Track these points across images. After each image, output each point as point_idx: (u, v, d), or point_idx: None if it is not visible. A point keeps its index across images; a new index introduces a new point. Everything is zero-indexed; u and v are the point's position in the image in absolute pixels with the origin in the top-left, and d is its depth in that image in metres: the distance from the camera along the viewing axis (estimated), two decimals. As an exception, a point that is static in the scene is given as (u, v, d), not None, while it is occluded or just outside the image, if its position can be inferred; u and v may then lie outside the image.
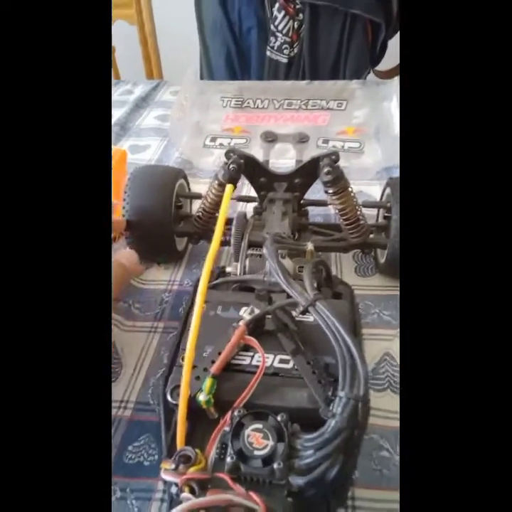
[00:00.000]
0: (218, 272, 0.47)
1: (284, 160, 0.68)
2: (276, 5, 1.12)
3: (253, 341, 0.34)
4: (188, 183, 0.65)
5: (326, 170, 0.49)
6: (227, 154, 0.52)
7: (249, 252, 0.46)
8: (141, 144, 0.88)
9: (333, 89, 0.81)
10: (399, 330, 0.50)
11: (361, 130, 0.69)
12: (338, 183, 0.50)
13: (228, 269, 0.46)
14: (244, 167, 0.52)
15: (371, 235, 0.57)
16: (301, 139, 0.61)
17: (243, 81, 1.07)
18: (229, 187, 0.48)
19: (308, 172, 0.53)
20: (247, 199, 0.65)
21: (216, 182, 0.53)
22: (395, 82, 0.78)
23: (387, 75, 1.32)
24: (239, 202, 0.68)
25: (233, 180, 0.51)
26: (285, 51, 1.18)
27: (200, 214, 0.56)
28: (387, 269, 0.56)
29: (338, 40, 1.19)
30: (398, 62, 1.31)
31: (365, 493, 0.38)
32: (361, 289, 0.56)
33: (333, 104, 0.74)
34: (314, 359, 0.33)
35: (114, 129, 0.91)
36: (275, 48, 1.18)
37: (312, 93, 0.75)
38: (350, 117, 0.72)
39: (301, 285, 0.35)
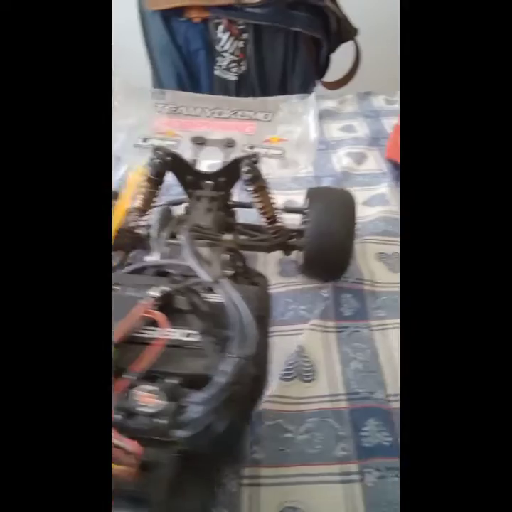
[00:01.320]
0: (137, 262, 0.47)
1: (211, 161, 0.71)
2: (220, 27, 1.17)
3: (156, 314, 0.33)
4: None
5: (245, 169, 0.53)
6: (154, 151, 0.56)
7: (169, 241, 0.48)
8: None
9: (261, 103, 0.86)
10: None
11: (284, 139, 0.73)
12: (256, 181, 0.55)
13: (147, 258, 0.46)
14: (172, 164, 0.56)
15: (294, 240, 0.61)
16: (228, 144, 0.66)
17: (178, 91, 1.09)
18: (137, 171, 0.53)
19: (231, 171, 0.57)
20: (179, 202, 0.66)
21: (146, 180, 0.56)
22: (312, 98, 0.85)
23: (335, 85, 1.40)
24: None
25: (159, 175, 0.55)
26: (233, 69, 1.24)
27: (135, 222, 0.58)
28: (306, 270, 0.61)
29: (283, 57, 1.26)
30: (344, 73, 1.39)
31: (270, 471, 0.42)
32: (281, 287, 0.61)
33: (260, 116, 0.78)
34: (217, 333, 0.33)
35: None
36: (223, 67, 1.24)
37: (241, 105, 0.80)
38: (275, 128, 0.76)
39: (209, 265, 0.38)
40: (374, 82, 1.20)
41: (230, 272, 0.43)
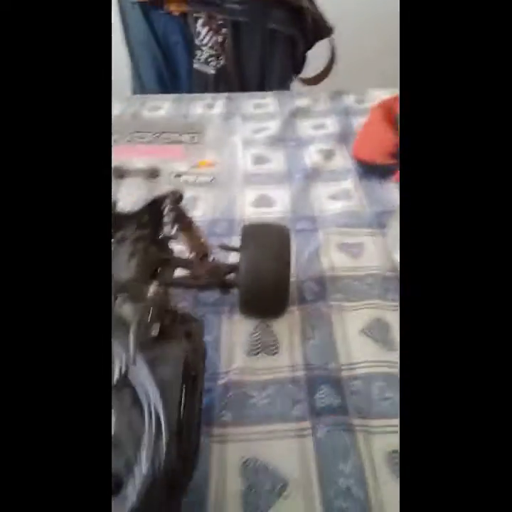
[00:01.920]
0: None
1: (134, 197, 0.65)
2: (200, 21, 1.21)
3: None
4: None
5: (167, 210, 0.51)
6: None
7: None
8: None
9: (185, 124, 0.84)
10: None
11: (213, 163, 0.71)
12: (180, 221, 0.54)
13: None
14: None
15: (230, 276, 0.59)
16: (152, 174, 0.62)
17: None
18: None
19: (153, 210, 0.56)
20: None
21: None
22: (237, 120, 0.89)
23: (312, 81, 1.45)
24: None
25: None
26: (212, 63, 1.28)
27: None
28: (244, 308, 0.57)
29: (261, 53, 1.31)
30: (320, 70, 1.44)
31: (236, 429, 0.49)
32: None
33: (186, 138, 0.72)
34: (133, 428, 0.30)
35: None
36: (201, 61, 1.27)
37: (165, 127, 0.73)
38: (203, 151, 0.72)
39: (121, 346, 0.33)
40: (346, 81, 1.26)
41: (154, 332, 0.39)
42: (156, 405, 0.30)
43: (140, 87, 1.33)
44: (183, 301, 0.64)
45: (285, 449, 0.47)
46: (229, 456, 0.46)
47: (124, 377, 0.33)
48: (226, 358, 0.56)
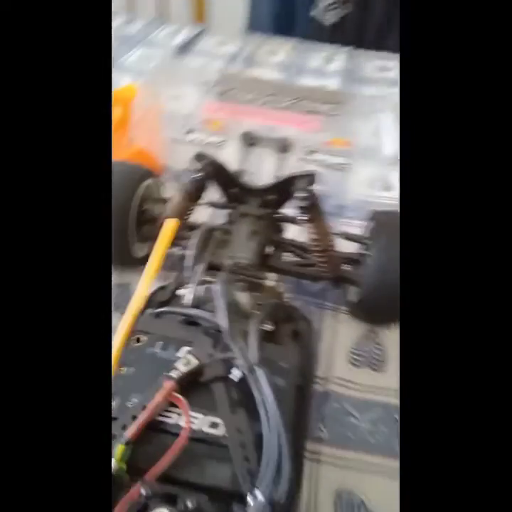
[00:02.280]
0: (169, 295, 0.42)
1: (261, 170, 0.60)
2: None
3: (181, 402, 0.30)
4: (159, 182, 0.59)
5: (299, 195, 0.45)
6: (196, 158, 0.48)
7: (205, 278, 0.41)
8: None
9: (328, 93, 0.73)
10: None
11: (351, 143, 0.61)
12: (311, 210, 0.47)
13: (180, 292, 0.41)
14: (215, 176, 0.49)
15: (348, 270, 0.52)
16: (284, 147, 0.55)
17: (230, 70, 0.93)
18: (170, 224, 0.45)
19: (282, 190, 0.50)
20: (221, 206, 0.57)
21: (179, 192, 0.49)
22: (395, 94, 0.72)
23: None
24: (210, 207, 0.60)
25: (198, 192, 0.49)
26: (331, 12, 1.14)
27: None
28: (358, 310, 0.51)
29: (387, 8, 1.14)
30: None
31: (332, 450, 0.44)
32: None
33: (325, 108, 0.64)
34: (247, 426, 0.30)
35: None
36: (321, 9, 1.13)
37: (305, 93, 0.66)
38: (342, 127, 0.63)
39: (242, 344, 0.33)
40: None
41: (269, 328, 0.37)
42: (276, 419, 0.29)
43: (255, 23, 1.22)
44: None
45: (388, 490, 0.41)
46: (322, 480, 0.42)
47: (243, 381, 0.32)
48: (325, 361, 0.51)
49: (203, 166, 0.46)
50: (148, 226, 0.55)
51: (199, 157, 0.47)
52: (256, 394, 0.31)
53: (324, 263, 0.50)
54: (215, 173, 0.48)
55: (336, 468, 0.43)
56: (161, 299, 0.43)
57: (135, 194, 0.52)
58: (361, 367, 0.51)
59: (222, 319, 0.35)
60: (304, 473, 0.40)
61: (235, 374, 0.33)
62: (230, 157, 0.52)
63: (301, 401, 0.37)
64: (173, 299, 0.44)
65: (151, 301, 0.44)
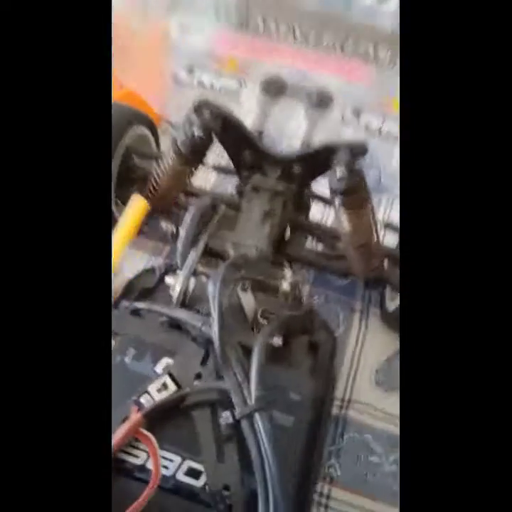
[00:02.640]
0: (155, 281, 0.35)
1: (286, 128, 0.46)
2: None
3: (149, 441, 0.25)
4: (154, 133, 0.47)
5: (339, 174, 0.33)
6: (197, 109, 0.35)
7: (200, 268, 0.33)
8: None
9: (388, 35, 0.44)
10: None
11: None
12: (353, 194, 0.34)
13: (168, 281, 0.33)
14: (222, 133, 0.36)
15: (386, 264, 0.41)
16: (321, 101, 0.40)
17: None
18: (138, 203, 0.35)
19: (315, 162, 0.36)
20: (229, 173, 0.45)
21: (172, 151, 0.37)
22: None
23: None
24: (216, 172, 0.48)
25: (199, 153, 0.36)
26: None
27: (152, 187, 0.40)
28: (395, 322, 0.41)
29: None
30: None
31: (343, 494, 0.36)
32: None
33: (383, 54, 0.41)
34: (236, 480, 0.25)
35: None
36: None
37: (356, 30, 0.43)
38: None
39: (238, 374, 0.26)
40: None
41: (278, 343, 0.30)
42: (275, 475, 0.24)
43: None
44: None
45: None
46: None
47: (236, 425, 0.25)
48: (346, 377, 0.42)
49: (207, 119, 0.35)
50: (134, 186, 0.44)
51: (202, 106, 0.36)
52: (251, 444, 0.24)
53: (360, 258, 0.39)
54: (224, 129, 0.36)
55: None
56: (145, 285, 0.35)
57: (119, 143, 0.41)
58: (389, 390, 0.41)
59: (214, 330, 0.27)
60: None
61: (225, 417, 0.25)
62: (246, 109, 0.40)
63: (313, 441, 0.29)
64: (159, 287, 0.35)
65: (131, 287, 0.35)
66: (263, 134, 0.41)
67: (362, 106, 0.40)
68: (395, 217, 0.45)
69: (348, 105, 0.40)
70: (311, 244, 0.45)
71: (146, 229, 0.50)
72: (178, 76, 0.44)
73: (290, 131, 0.42)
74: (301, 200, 0.43)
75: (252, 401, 0.25)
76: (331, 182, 0.34)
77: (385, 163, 0.44)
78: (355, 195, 0.34)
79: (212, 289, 0.28)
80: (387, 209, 0.50)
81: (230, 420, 0.25)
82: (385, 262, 0.42)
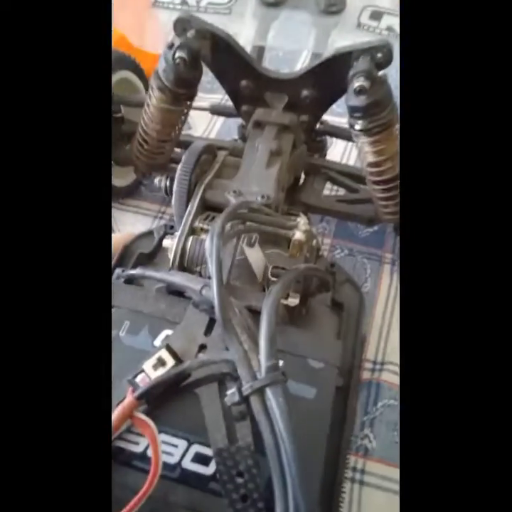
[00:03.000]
0: (154, 246, 0.31)
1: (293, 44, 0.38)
2: None
3: (146, 425, 0.22)
4: (142, 78, 0.41)
5: (357, 84, 0.26)
6: (176, 26, 0.29)
7: (198, 224, 0.28)
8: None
9: None
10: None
11: None
12: (377, 114, 0.27)
13: (165, 243, 0.29)
14: (213, 56, 0.30)
15: None
16: (331, 6, 0.33)
17: None
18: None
19: (328, 78, 0.30)
20: (228, 113, 0.39)
21: (155, 86, 0.31)
22: None
23: None
24: (215, 116, 0.43)
25: (184, 87, 0.30)
26: None
27: (141, 138, 0.35)
28: None
29: None
30: None
31: (378, 468, 0.31)
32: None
33: None
34: (251, 468, 0.21)
35: None
36: None
37: None
38: None
39: (248, 344, 0.22)
40: None
41: (293, 302, 0.26)
42: (287, 453, 0.20)
43: None
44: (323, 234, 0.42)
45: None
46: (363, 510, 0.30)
47: (245, 403, 0.21)
48: (377, 338, 0.37)
49: (191, 39, 0.29)
50: (127, 143, 0.39)
51: (184, 22, 0.29)
52: (263, 425, 0.20)
53: (390, 196, 0.32)
54: (213, 51, 0.30)
55: (384, 495, 0.30)
56: (143, 250, 0.32)
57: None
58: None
59: (213, 293, 0.23)
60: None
61: (231, 395, 0.21)
62: (240, 26, 0.33)
63: (341, 414, 0.26)
64: (157, 252, 0.32)
65: (128, 253, 0.32)
66: (264, 53, 0.34)
67: (381, 6, 0.32)
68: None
69: (366, 8, 0.32)
70: (331, 188, 0.39)
71: (146, 192, 0.46)
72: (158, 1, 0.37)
73: (298, 46, 0.35)
74: (315, 137, 0.37)
75: (262, 374, 0.21)
76: (348, 99, 0.28)
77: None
78: (378, 114, 0.28)
79: (209, 246, 0.24)
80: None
81: (236, 398, 0.21)
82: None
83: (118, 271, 0.29)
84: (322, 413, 0.23)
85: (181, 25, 0.29)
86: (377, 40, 0.27)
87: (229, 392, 0.21)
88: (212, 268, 0.23)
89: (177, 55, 0.28)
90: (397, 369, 0.35)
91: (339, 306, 0.29)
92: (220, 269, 0.23)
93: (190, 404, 0.23)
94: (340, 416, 0.25)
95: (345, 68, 0.28)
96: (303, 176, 0.39)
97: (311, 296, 0.28)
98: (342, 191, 0.41)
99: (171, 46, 0.29)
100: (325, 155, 0.41)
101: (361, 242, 0.42)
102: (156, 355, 0.23)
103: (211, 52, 0.30)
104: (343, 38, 0.31)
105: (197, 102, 0.33)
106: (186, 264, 0.28)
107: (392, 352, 0.36)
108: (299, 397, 0.23)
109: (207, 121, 0.51)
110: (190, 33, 0.29)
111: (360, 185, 0.37)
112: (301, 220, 0.28)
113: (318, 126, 0.37)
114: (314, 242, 0.29)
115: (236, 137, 0.40)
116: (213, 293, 0.23)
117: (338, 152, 0.47)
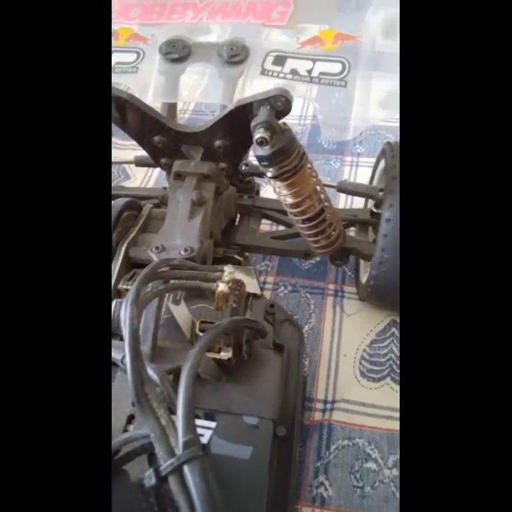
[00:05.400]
0: None
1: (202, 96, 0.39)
2: None
3: None
4: None
5: (258, 136, 0.27)
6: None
7: (123, 286, 0.28)
8: None
9: None
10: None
11: (349, 37, 0.33)
12: (284, 160, 0.28)
13: None
14: (121, 117, 0.30)
15: (350, 232, 0.37)
16: (233, 56, 0.33)
17: None
18: None
19: (236, 128, 0.30)
20: (152, 164, 0.37)
21: None
22: None
23: None
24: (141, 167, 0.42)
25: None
26: None
27: None
28: (372, 295, 0.36)
29: None
30: None
31: None
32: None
33: None
34: None
35: None
36: None
37: None
38: (331, 10, 0.35)
39: (165, 419, 0.20)
40: None
41: (225, 356, 0.26)
42: None
43: None
44: (262, 271, 0.42)
45: None
46: None
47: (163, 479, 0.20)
48: (326, 373, 0.36)
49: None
50: None
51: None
52: (183, 508, 0.19)
53: (316, 232, 0.33)
54: (119, 113, 0.30)
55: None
56: None
57: None
58: (379, 379, 0.35)
59: (126, 362, 0.21)
60: None
61: (148, 477, 0.20)
62: (147, 84, 0.33)
63: (286, 468, 0.25)
64: None
65: None
66: (175, 108, 0.35)
67: (284, 50, 0.33)
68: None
69: (270, 54, 0.33)
70: (271, 224, 0.39)
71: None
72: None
73: (206, 98, 0.35)
74: (243, 179, 0.37)
75: (180, 449, 0.19)
76: (255, 149, 0.28)
77: (328, 114, 0.37)
78: (285, 160, 0.28)
79: (123, 315, 0.22)
80: (352, 169, 0.44)
81: (153, 481, 0.19)
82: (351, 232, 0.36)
83: None
84: (259, 472, 0.22)
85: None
86: (275, 89, 0.27)
87: (146, 473, 0.20)
88: (126, 340, 0.22)
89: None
90: (349, 406, 0.34)
91: (279, 348, 0.28)
92: (135, 339, 0.22)
93: (121, 483, 0.22)
94: (285, 466, 0.24)
95: (249, 118, 0.28)
96: (239, 217, 0.39)
97: (247, 345, 0.28)
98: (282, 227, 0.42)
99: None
100: (257, 193, 0.41)
101: (304, 275, 0.42)
102: None
103: (119, 114, 0.30)
104: (249, 86, 0.31)
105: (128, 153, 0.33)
106: (113, 329, 0.27)
107: (342, 388, 0.35)
108: (233, 459, 0.22)
109: (145, 169, 0.51)
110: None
111: (289, 220, 0.38)
112: (227, 270, 0.27)
113: (243, 168, 0.38)
114: (251, 286, 0.29)
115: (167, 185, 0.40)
116: (126, 364, 0.22)
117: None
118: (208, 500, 0.18)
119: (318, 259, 0.42)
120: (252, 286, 0.30)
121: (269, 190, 0.45)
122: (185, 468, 0.19)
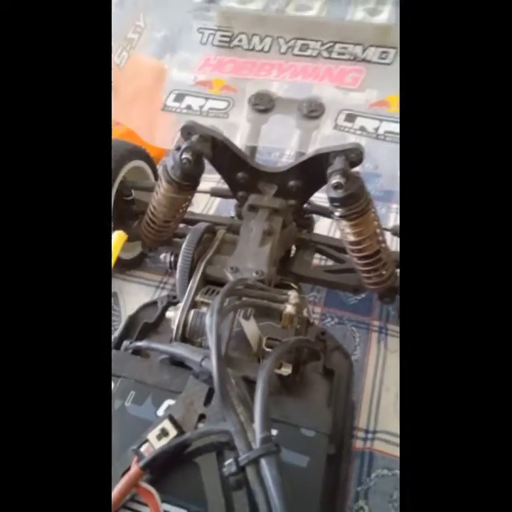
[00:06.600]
0: (157, 316, 0.34)
1: (280, 143, 0.46)
2: None
3: (150, 495, 0.23)
4: (151, 166, 0.47)
5: (334, 181, 0.31)
6: (184, 133, 0.35)
7: (200, 298, 0.31)
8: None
9: (375, 31, 0.46)
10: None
11: None
12: (353, 203, 0.32)
13: (168, 314, 0.32)
14: (214, 155, 0.35)
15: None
16: (312, 112, 0.38)
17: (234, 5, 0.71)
18: (118, 236, 0.34)
19: (310, 173, 0.35)
20: (226, 195, 0.43)
21: (164, 179, 0.36)
22: None
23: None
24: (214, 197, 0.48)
25: (189, 178, 0.35)
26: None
27: (149, 219, 0.40)
28: None
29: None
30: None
31: None
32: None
33: (373, 53, 0.40)
34: None
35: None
36: None
37: (340, 33, 0.41)
38: (397, 79, 0.41)
39: (244, 416, 0.23)
40: None
41: (286, 372, 0.28)
42: None
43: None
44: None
45: None
46: None
47: (242, 472, 0.23)
48: (368, 406, 0.38)
49: (195, 142, 0.34)
50: (136, 221, 0.44)
51: (189, 129, 0.35)
52: (257, 494, 0.22)
53: (371, 269, 0.36)
54: (213, 151, 0.35)
55: None
56: (147, 320, 0.34)
57: (116, 179, 0.41)
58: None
59: (212, 365, 0.25)
60: None
61: (228, 466, 0.23)
62: (238, 127, 0.39)
63: (334, 482, 0.27)
64: (160, 322, 0.34)
65: (133, 322, 0.34)
66: (256, 151, 0.40)
67: (355, 110, 0.38)
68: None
69: (342, 112, 0.38)
70: (320, 258, 0.42)
71: (149, 263, 0.49)
72: (167, 104, 0.43)
73: (284, 145, 0.40)
74: (303, 215, 0.41)
75: (257, 444, 0.22)
76: (329, 191, 0.32)
77: (390, 168, 0.41)
78: (354, 203, 0.32)
79: (208, 321, 0.26)
80: (397, 215, 0.48)
81: (233, 469, 0.22)
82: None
83: (125, 343, 0.31)
84: (315, 481, 0.24)
85: (186, 131, 0.35)
86: (350, 143, 0.32)
87: (227, 462, 0.23)
88: (212, 343, 0.25)
89: (183, 155, 0.34)
90: (390, 438, 0.36)
91: (330, 373, 0.31)
92: (220, 343, 0.25)
93: (190, 473, 0.24)
94: (333, 483, 0.26)
95: (325, 165, 0.33)
96: (294, 249, 0.43)
97: (303, 365, 0.30)
98: (331, 261, 0.45)
99: (178, 148, 0.34)
100: (312, 229, 0.45)
101: (350, 310, 0.45)
102: (160, 426, 0.24)
103: (212, 152, 0.35)
104: (323, 138, 0.36)
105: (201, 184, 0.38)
106: (188, 335, 0.30)
107: (384, 420, 0.37)
108: (292, 465, 0.24)
109: (206, 199, 0.57)
110: (194, 137, 0.34)
111: (345, 256, 0.41)
112: (292, 294, 0.30)
113: (305, 206, 0.42)
114: (305, 312, 0.32)
115: (232, 214, 0.44)
116: (213, 367, 0.25)
117: (324, 226, 0.51)
118: (282, 490, 0.21)
119: (363, 295, 0.45)
120: (305, 313, 0.33)
121: (320, 226, 0.49)
122: (263, 461, 0.22)
